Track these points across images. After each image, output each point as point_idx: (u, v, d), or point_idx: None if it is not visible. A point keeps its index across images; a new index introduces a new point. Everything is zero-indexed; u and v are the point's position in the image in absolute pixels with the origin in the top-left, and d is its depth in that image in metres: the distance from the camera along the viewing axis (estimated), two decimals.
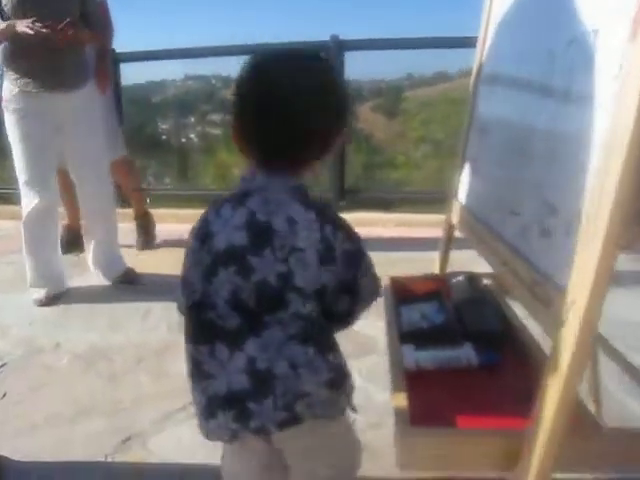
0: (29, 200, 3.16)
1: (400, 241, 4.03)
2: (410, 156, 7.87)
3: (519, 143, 1.17)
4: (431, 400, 1.06)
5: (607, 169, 0.72)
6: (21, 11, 2.92)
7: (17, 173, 3.16)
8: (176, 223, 4.80)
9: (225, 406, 1.04)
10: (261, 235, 1.02)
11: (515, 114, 1.24)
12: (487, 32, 1.58)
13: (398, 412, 0.94)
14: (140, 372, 2.55)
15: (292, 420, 1.00)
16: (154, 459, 1.97)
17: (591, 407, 1.80)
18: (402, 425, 0.91)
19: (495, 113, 1.43)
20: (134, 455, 1.99)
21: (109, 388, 2.41)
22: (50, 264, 3.40)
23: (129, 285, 3.55)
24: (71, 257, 4.16)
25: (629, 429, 1.02)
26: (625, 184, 0.68)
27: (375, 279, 1.10)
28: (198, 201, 5.68)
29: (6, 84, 3.09)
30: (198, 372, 1.08)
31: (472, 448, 0.89)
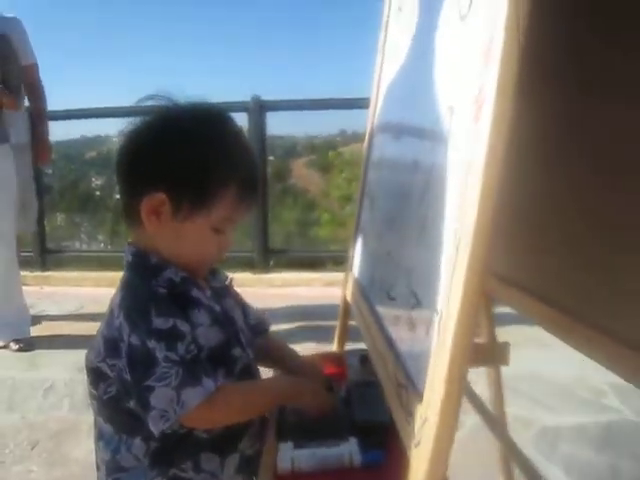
0: None
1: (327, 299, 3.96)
2: (335, 214, 7.90)
3: (396, 219, 1.11)
4: None
5: (456, 261, 0.65)
6: None
7: None
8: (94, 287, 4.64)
9: None
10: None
11: (394, 186, 1.18)
12: (377, 105, 1.55)
13: None
14: (34, 459, 2.34)
15: None
16: None
17: None
18: None
19: (380, 182, 1.37)
20: None
21: None
22: None
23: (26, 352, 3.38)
24: None
25: None
26: (472, 287, 0.61)
27: (167, 395, 0.89)
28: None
29: None
30: None
31: None
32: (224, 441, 1.02)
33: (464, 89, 0.75)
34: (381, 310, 1.10)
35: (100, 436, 1.04)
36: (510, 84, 0.60)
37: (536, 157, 1.02)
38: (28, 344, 3.45)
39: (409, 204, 1.02)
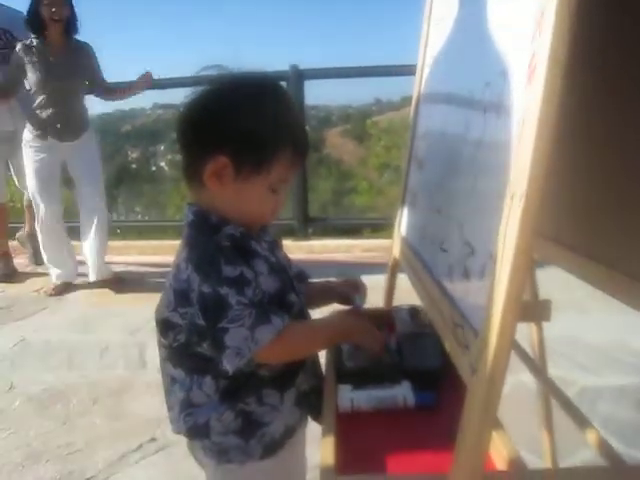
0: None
1: (365, 266, 4.04)
2: (373, 182, 7.92)
3: (447, 178, 1.18)
4: (361, 445, 1.04)
5: (508, 212, 0.72)
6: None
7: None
8: (137, 255, 4.77)
9: None
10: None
11: (443, 149, 1.25)
12: (423, 70, 1.60)
13: (324, 460, 0.92)
14: (95, 413, 2.50)
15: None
16: None
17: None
18: (327, 473, 0.89)
19: (429, 148, 1.43)
20: None
21: (62, 431, 2.36)
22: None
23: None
24: (30, 294, 4.12)
25: (562, 469, 1.01)
26: (526, 227, 0.68)
27: (241, 334, 0.98)
28: (168, 231, 5.66)
29: None
30: None
31: None
32: (282, 378, 1.12)
33: (516, 55, 0.82)
34: (433, 263, 1.18)
35: (172, 380, 1.14)
36: (561, 50, 0.66)
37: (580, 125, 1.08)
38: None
39: (460, 163, 1.09)
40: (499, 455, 0.96)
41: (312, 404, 1.19)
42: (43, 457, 2.18)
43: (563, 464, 1.80)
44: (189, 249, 1.05)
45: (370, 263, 4.10)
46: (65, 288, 4.20)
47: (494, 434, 0.99)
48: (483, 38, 1.03)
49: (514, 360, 1.61)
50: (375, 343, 1.18)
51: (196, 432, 1.11)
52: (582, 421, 1.23)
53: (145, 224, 6.06)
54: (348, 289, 1.32)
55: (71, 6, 3.92)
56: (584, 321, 3.15)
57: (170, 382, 1.14)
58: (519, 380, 2.33)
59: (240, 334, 0.97)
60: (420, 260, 1.27)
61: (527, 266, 0.71)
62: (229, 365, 1.00)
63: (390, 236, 1.71)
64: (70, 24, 3.94)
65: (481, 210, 0.89)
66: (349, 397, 1.16)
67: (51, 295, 4.12)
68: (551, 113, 0.66)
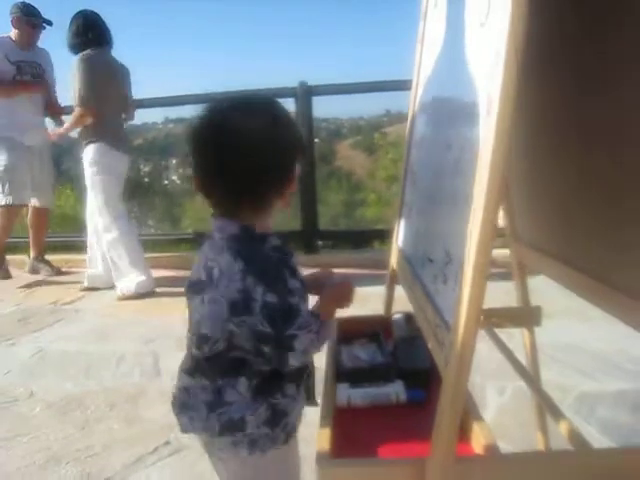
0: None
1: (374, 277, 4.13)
2: (382, 194, 8.03)
3: (434, 195, 1.29)
4: (355, 434, 1.15)
5: (471, 223, 0.83)
6: None
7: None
8: (151, 268, 4.89)
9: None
10: (206, 280, 1.14)
11: (432, 168, 1.36)
12: (417, 91, 1.71)
13: (320, 445, 1.03)
14: (112, 418, 2.61)
15: (183, 429, 1.24)
16: None
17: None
18: (322, 457, 1.00)
19: (420, 160, 1.55)
20: None
21: (81, 435, 2.47)
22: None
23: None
24: (48, 306, 4.26)
25: (525, 454, 1.11)
26: (483, 241, 0.80)
27: (309, 338, 1.12)
28: (183, 243, 5.78)
29: None
30: None
31: (385, 477, 0.97)
32: (299, 371, 1.23)
33: (482, 85, 0.93)
34: (422, 272, 1.29)
35: (197, 387, 1.22)
36: (511, 92, 0.78)
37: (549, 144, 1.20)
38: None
39: (443, 181, 1.20)
40: (478, 444, 1.06)
41: (310, 389, 1.30)
42: (63, 460, 2.28)
43: None
44: (244, 262, 1.10)
45: (379, 275, 4.20)
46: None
47: (475, 425, 1.10)
48: (462, 65, 1.15)
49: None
50: (348, 296, 1.27)
51: (231, 427, 1.19)
52: (555, 411, 1.32)
53: (157, 237, 6.16)
54: (319, 280, 1.38)
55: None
56: (585, 328, 3.20)
57: (195, 388, 1.22)
58: (519, 386, 2.42)
59: (309, 338, 1.11)
60: (411, 270, 1.38)
61: (486, 268, 0.82)
62: (296, 362, 1.14)
63: None
64: None
65: (459, 222, 1.00)
66: (346, 394, 1.27)
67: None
68: (504, 144, 0.78)
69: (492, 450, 1.01)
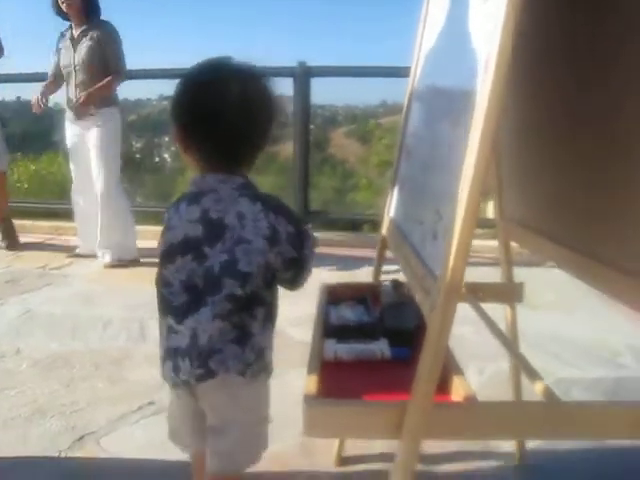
0: None
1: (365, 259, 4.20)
2: (373, 180, 8.08)
3: (428, 163, 1.34)
4: (341, 384, 1.20)
5: (462, 184, 0.89)
6: None
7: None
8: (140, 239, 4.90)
9: (168, 358, 1.28)
10: (215, 230, 1.22)
11: (428, 138, 1.41)
12: (417, 65, 1.76)
13: (307, 389, 1.08)
14: (97, 377, 2.65)
15: (206, 375, 1.23)
16: (106, 456, 2.08)
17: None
18: (308, 397, 1.05)
19: (416, 137, 1.60)
20: (88, 452, 2.09)
21: (66, 392, 2.51)
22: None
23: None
24: (36, 270, 4.28)
25: (493, 403, 1.17)
26: (472, 195, 0.85)
27: (314, 251, 1.31)
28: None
29: None
30: (166, 328, 1.29)
31: (366, 417, 1.02)
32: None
33: (482, 51, 0.98)
34: (412, 235, 1.34)
35: (231, 324, 1.24)
36: (507, 51, 0.83)
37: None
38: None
39: (438, 149, 1.25)
40: (457, 396, 1.11)
41: None
42: (48, 413, 2.32)
43: None
44: (262, 202, 1.24)
45: (370, 257, 4.26)
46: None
47: (455, 379, 1.16)
48: (464, 37, 1.19)
49: (494, 349, 1.75)
50: None
51: (260, 355, 1.27)
52: (530, 371, 1.38)
53: (147, 209, 6.16)
54: None
55: None
56: (568, 320, 3.29)
57: (224, 330, 1.23)
58: (499, 367, 2.48)
59: (313, 255, 1.31)
60: (402, 235, 1.44)
61: (473, 223, 0.87)
62: (304, 282, 1.32)
63: None
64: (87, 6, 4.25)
65: (450, 181, 1.05)
66: (333, 349, 1.32)
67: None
68: (499, 96, 0.83)
69: (470, 399, 1.06)
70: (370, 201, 7.64)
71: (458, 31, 1.24)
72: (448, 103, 1.22)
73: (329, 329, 1.41)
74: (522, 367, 1.42)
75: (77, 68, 4.27)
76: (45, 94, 4.37)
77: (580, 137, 1.24)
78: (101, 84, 4.23)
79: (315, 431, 1.07)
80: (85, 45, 4.24)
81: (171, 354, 1.27)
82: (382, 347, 1.33)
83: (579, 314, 3.32)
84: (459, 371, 1.17)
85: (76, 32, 4.29)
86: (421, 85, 1.68)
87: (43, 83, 4.43)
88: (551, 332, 3.12)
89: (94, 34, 4.23)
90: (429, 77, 1.56)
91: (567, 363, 2.83)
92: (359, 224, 5.84)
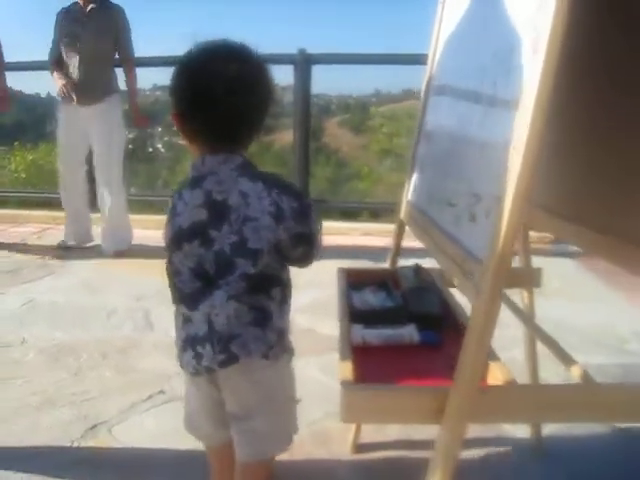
0: None
1: (365, 249, 4.19)
2: (374, 168, 8.06)
3: (456, 145, 1.32)
4: (374, 367, 1.19)
5: (511, 163, 0.87)
6: None
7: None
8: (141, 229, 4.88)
9: (188, 346, 1.25)
10: (219, 212, 1.21)
11: (454, 120, 1.39)
12: (436, 49, 1.73)
13: (343, 374, 1.07)
14: (105, 366, 2.63)
15: (229, 360, 1.21)
16: (119, 445, 2.06)
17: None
18: (346, 383, 1.04)
19: (439, 120, 1.58)
20: (100, 441, 2.08)
21: (74, 381, 2.49)
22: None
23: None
24: (37, 260, 4.24)
25: (538, 386, 1.17)
26: (524, 174, 0.83)
27: (319, 227, 1.30)
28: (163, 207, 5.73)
29: None
30: (181, 318, 1.28)
31: (406, 402, 1.01)
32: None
33: (524, 30, 0.96)
34: (440, 217, 1.32)
35: (247, 305, 1.23)
36: (560, 29, 0.81)
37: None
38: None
39: (468, 131, 1.23)
40: (496, 381, 1.10)
41: None
42: (58, 403, 2.30)
43: None
44: (262, 180, 1.22)
45: (367, 246, 4.26)
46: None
47: (492, 365, 1.15)
48: (494, 18, 1.18)
49: (507, 338, 1.75)
50: None
51: (281, 336, 1.27)
52: (563, 355, 1.37)
53: (140, 198, 6.12)
54: None
55: None
56: (575, 307, 3.29)
57: (241, 312, 1.22)
58: (513, 355, 2.48)
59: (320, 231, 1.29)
60: (425, 216, 1.42)
61: (524, 203, 0.85)
62: (315, 258, 1.30)
63: (388, 221, 1.85)
64: None
65: (488, 165, 1.04)
66: (360, 334, 1.30)
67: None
68: (550, 81, 0.81)
69: (512, 382, 1.05)
70: (370, 190, 7.63)
71: (492, 12, 1.22)
72: (479, 87, 1.20)
73: (354, 314, 1.40)
74: (554, 352, 1.41)
75: (83, 46, 4.11)
76: (69, 83, 4.18)
77: (614, 134, 1.23)
78: (132, 84, 4.37)
79: (354, 416, 1.06)
80: (95, 24, 4.11)
81: (189, 342, 1.25)
82: (411, 332, 1.31)
83: (585, 302, 3.33)
84: (494, 356, 1.16)
85: (86, 8, 4.13)
86: (444, 70, 1.65)
87: (57, 75, 4.24)
88: (557, 320, 3.11)
89: (106, 13, 4.14)
90: (453, 60, 1.54)
91: (572, 349, 2.84)
92: (358, 213, 5.83)
